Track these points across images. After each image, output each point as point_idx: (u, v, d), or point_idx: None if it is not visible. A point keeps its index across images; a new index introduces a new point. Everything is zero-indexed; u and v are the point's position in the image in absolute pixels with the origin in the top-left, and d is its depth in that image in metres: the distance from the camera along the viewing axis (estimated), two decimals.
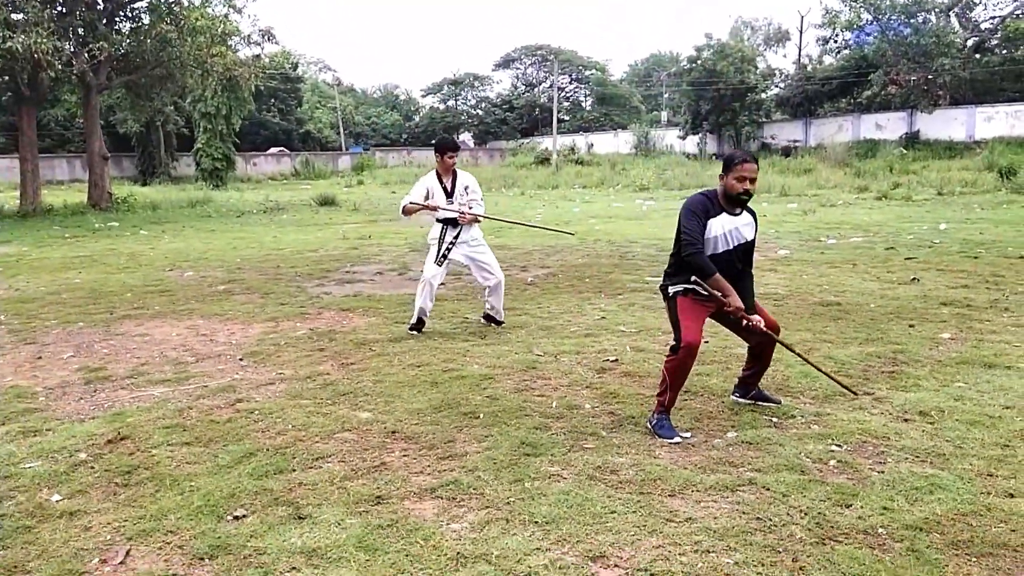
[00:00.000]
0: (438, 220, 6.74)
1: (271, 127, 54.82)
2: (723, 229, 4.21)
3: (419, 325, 6.74)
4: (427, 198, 6.57)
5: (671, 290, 4.30)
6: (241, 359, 6.03)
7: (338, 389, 5.15)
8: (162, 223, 19.26)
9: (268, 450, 4.07)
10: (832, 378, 4.73)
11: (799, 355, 4.72)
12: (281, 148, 54.26)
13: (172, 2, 22.37)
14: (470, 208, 6.65)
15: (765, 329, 4.33)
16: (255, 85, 27.84)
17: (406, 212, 6.65)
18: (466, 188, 6.69)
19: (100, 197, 23.24)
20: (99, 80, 22.33)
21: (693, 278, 4.19)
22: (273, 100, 53.84)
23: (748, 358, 4.65)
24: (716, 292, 4.16)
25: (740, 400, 4.69)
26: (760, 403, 4.63)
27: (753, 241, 4.36)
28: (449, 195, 6.63)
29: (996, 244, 11.36)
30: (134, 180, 40.27)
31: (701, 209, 4.19)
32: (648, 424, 4.27)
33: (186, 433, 4.36)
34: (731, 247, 4.24)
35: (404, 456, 3.98)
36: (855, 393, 4.77)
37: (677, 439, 4.12)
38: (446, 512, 3.36)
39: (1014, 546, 2.96)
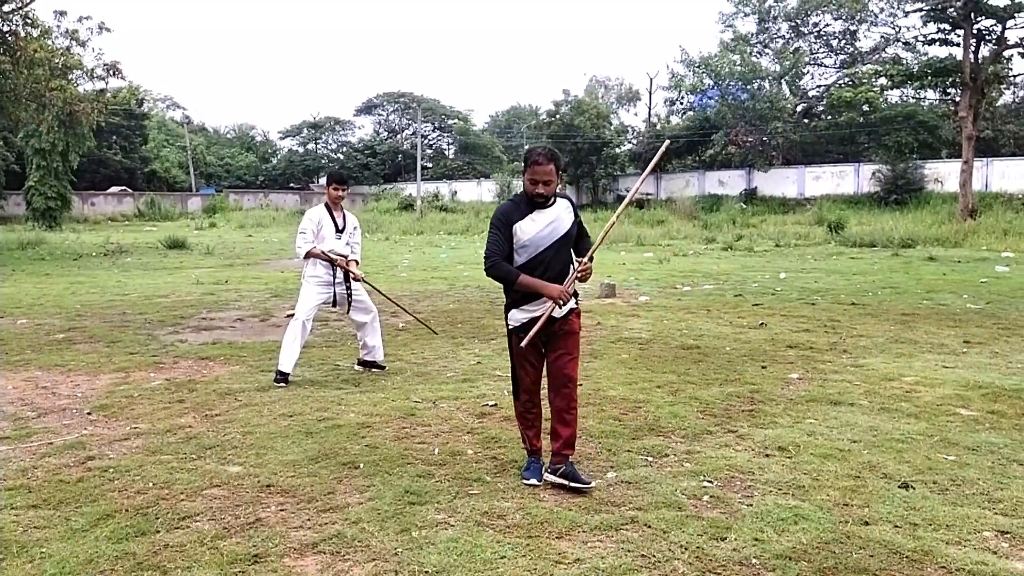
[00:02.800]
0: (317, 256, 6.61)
1: (112, 165, 51.62)
2: (538, 227, 3.99)
3: (285, 376, 6.38)
4: (318, 231, 6.52)
5: (509, 324, 4.22)
6: (89, 413, 5.56)
7: (203, 443, 4.84)
8: None
9: (127, 511, 3.75)
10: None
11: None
12: (123, 188, 51.13)
13: (7, 32, 20.84)
14: (352, 251, 6.75)
15: (588, 264, 4.03)
16: (97, 121, 26.24)
17: (309, 256, 6.52)
18: (355, 228, 6.82)
19: None
20: None
21: (513, 325, 4.15)
22: (115, 137, 50.81)
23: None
24: (538, 308, 4.01)
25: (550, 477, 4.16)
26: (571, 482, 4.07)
27: (574, 226, 4.11)
28: (339, 230, 6.63)
29: (830, 291, 12.41)
30: None
31: (503, 219, 4.01)
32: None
33: (32, 495, 3.95)
34: (554, 240, 4.03)
35: (281, 511, 3.78)
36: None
37: (533, 481, 4.10)
38: (330, 568, 3.21)
39: (874, 571, 3.19)
